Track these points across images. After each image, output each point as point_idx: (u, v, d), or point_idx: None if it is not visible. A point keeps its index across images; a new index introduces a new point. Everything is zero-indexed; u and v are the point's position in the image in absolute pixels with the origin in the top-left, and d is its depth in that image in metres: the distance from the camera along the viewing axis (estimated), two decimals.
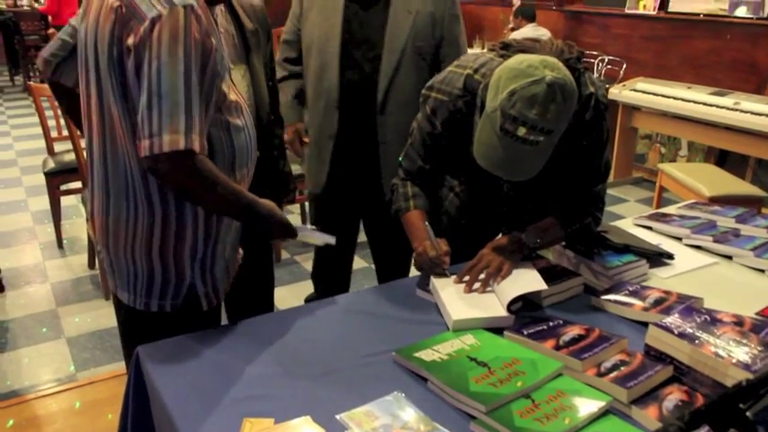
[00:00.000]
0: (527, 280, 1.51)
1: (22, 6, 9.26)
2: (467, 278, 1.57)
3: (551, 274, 1.59)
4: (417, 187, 1.76)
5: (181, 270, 1.43)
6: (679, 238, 1.97)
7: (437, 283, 1.55)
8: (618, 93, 4.90)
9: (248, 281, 1.83)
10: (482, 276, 1.56)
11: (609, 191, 5.10)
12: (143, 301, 1.46)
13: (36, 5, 9.17)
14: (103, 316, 3.13)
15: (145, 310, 1.46)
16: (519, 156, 1.39)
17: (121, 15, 1.26)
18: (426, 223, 1.66)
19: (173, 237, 1.40)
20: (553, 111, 1.35)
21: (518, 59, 1.39)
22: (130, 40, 1.24)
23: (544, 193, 1.71)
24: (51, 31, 7.54)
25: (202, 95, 1.27)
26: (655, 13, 5.11)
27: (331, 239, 1.63)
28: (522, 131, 1.36)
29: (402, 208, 1.75)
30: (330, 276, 2.55)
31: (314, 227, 1.66)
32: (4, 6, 9.29)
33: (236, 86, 1.84)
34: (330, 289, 2.35)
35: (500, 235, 1.71)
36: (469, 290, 1.54)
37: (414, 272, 1.76)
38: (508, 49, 1.53)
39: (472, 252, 1.63)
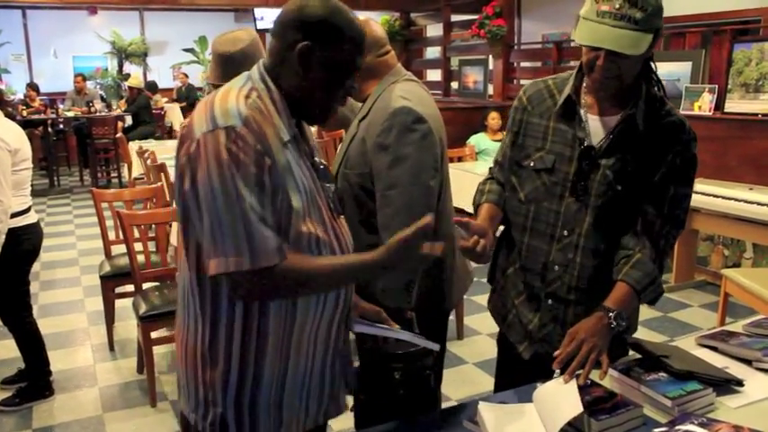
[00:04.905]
0: (568, 404, 1.42)
1: (96, 112, 9.84)
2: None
3: (608, 404, 1.48)
4: (497, 185, 1.94)
5: (214, 394, 1.40)
6: (749, 361, 1.82)
7: (485, 414, 1.47)
8: None
9: None
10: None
11: (670, 295, 4.92)
12: (193, 417, 1.45)
13: (111, 111, 9.76)
14: (147, 424, 3.09)
15: (194, 426, 1.45)
16: (623, 32, 1.53)
17: (184, 134, 1.34)
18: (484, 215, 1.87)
19: (208, 357, 1.38)
20: None
21: None
22: (183, 160, 1.31)
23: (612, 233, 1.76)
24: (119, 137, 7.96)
25: (266, 207, 1.29)
26: (711, 113, 5.05)
27: (434, 346, 1.58)
28: (617, 4, 1.52)
29: (476, 202, 1.96)
30: None
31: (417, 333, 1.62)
32: (79, 113, 9.90)
33: None
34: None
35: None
36: (570, 379, 1.50)
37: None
38: None
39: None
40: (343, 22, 1.36)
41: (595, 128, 1.76)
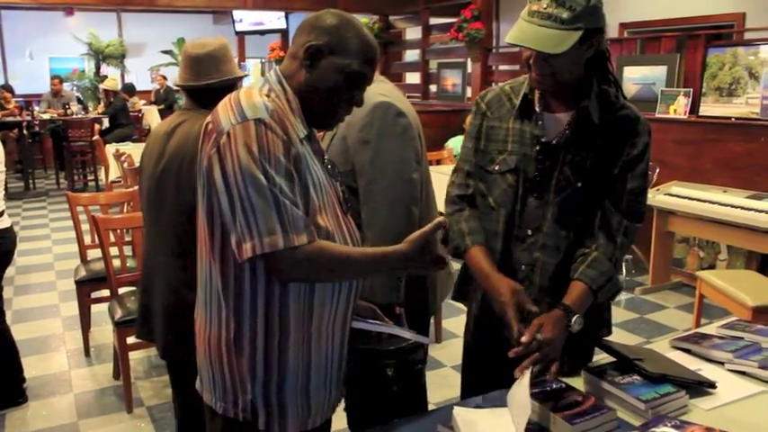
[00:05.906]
0: (525, 401, 1.43)
1: (72, 114, 9.72)
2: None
3: (582, 407, 1.49)
4: (471, 220, 1.86)
5: (242, 381, 1.43)
6: (722, 363, 1.85)
7: (459, 419, 1.47)
8: (652, 197, 4.82)
9: None
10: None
11: (647, 297, 4.97)
12: (222, 405, 1.48)
13: (88, 113, 9.64)
14: (123, 431, 3.05)
15: (224, 414, 1.48)
16: (547, 31, 1.56)
17: (210, 130, 1.39)
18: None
19: (233, 345, 1.42)
20: None
21: None
22: (212, 151, 1.36)
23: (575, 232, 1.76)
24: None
25: (296, 194, 1.35)
26: (686, 117, 5.11)
27: (426, 340, 1.63)
28: (545, 4, 1.55)
29: (458, 242, 1.85)
30: None
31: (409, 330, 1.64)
32: (55, 115, 9.77)
33: None
34: None
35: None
36: (521, 374, 1.52)
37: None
38: None
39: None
40: (354, 32, 1.45)
41: (552, 125, 1.77)
